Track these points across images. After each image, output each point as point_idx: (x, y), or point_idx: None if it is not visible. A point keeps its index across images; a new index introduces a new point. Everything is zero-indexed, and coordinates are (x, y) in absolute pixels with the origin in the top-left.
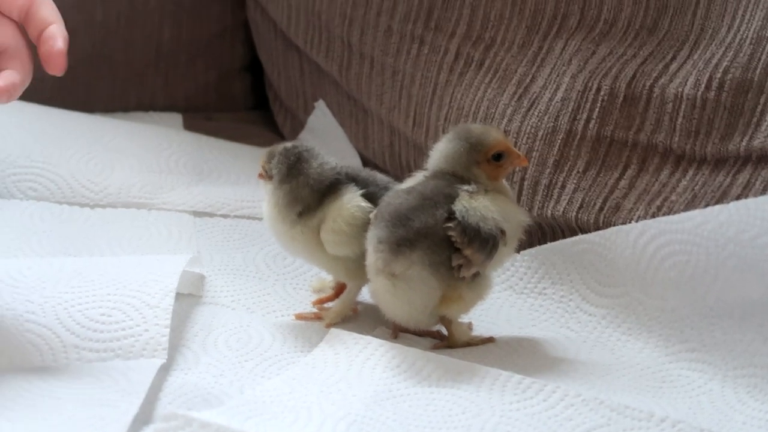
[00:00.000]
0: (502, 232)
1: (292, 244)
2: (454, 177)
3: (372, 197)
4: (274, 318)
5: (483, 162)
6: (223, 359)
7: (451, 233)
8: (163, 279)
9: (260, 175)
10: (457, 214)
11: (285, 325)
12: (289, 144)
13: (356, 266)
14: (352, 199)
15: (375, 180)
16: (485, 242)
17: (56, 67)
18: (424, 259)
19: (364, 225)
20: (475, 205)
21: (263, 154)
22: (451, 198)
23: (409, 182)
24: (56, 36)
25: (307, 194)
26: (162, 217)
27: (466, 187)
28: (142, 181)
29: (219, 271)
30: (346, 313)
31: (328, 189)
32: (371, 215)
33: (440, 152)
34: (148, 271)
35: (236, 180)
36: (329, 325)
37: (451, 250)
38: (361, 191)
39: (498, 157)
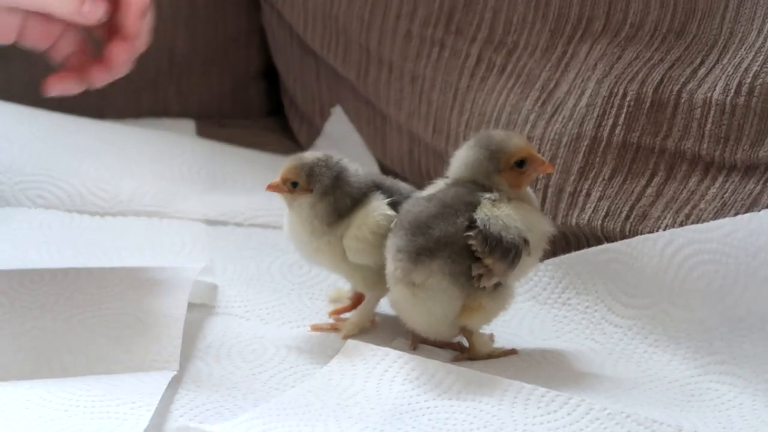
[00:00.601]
0: (526, 241)
1: (316, 255)
2: (476, 185)
3: (397, 206)
4: (289, 329)
5: (505, 169)
6: (237, 371)
7: (471, 242)
8: (174, 288)
9: (280, 188)
10: (479, 223)
11: (300, 337)
12: (318, 154)
13: (376, 276)
14: (379, 207)
15: (399, 189)
16: (507, 251)
17: (130, 35)
18: (444, 269)
19: (389, 233)
20: (497, 213)
21: (289, 167)
22: (473, 206)
23: (430, 190)
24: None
25: (345, 205)
26: (174, 225)
27: (488, 195)
28: (154, 189)
29: (232, 281)
30: (363, 324)
31: (360, 198)
32: (392, 224)
33: (461, 160)
34: (160, 280)
35: (251, 188)
36: (346, 337)
37: (472, 260)
38: (387, 199)
39: (520, 164)
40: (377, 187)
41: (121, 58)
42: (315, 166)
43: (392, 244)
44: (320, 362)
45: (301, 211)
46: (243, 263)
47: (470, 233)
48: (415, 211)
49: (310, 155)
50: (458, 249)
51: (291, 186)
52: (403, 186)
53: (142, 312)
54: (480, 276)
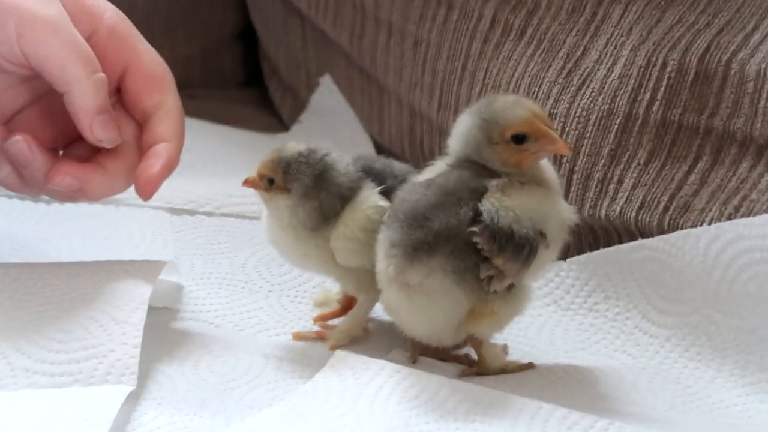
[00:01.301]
0: (542, 234)
1: (303, 260)
2: (481, 167)
3: (391, 194)
4: (267, 337)
5: (500, 143)
6: (205, 386)
7: (477, 239)
8: (133, 289)
9: (256, 184)
10: (485, 216)
11: (280, 347)
12: (301, 147)
13: (370, 278)
14: (368, 198)
15: (392, 171)
16: (520, 248)
17: (143, 191)
18: (446, 266)
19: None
20: (507, 203)
21: (265, 161)
22: (478, 193)
23: (428, 173)
24: (159, 157)
25: (333, 207)
26: (133, 214)
27: (495, 181)
28: None
29: (201, 281)
30: (355, 332)
31: (350, 195)
32: (385, 216)
33: (456, 130)
34: (116, 279)
35: (223, 171)
36: (334, 347)
37: (479, 256)
38: (378, 188)
39: (519, 139)
40: (367, 173)
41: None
42: (293, 163)
43: (385, 238)
44: (303, 377)
45: (280, 213)
46: (214, 259)
47: (475, 229)
48: (412, 199)
49: (290, 148)
50: (462, 244)
51: (267, 183)
52: (398, 167)
53: (94, 316)
54: (490, 278)
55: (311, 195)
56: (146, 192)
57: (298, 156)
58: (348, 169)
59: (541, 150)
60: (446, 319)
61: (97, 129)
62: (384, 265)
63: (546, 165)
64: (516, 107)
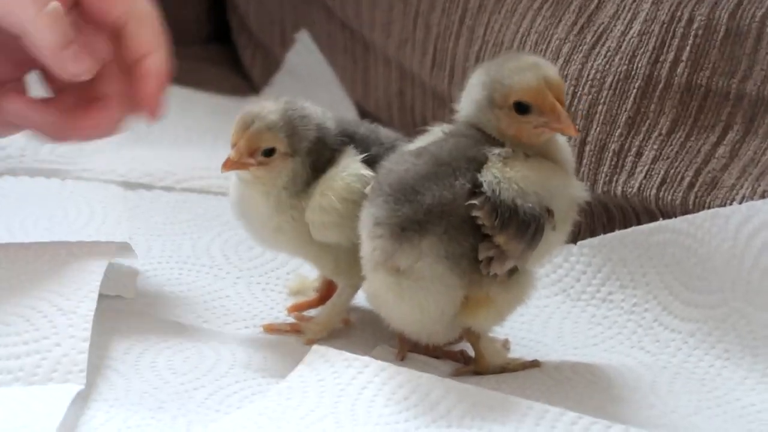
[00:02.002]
0: (549, 211)
1: (275, 236)
2: (482, 134)
3: (376, 163)
4: (235, 330)
5: (503, 107)
6: (164, 386)
7: (476, 213)
8: (81, 275)
9: (245, 164)
10: (485, 187)
11: (250, 341)
12: (280, 104)
13: (351, 259)
14: (349, 166)
15: (378, 137)
16: (525, 226)
17: (150, 111)
18: (439, 249)
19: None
20: (510, 174)
21: (255, 132)
22: (477, 164)
23: (422, 141)
24: (150, 76)
25: (326, 159)
26: (81, 189)
27: (497, 151)
28: None
29: (159, 265)
30: (334, 324)
31: (331, 156)
32: (368, 189)
33: (465, 91)
34: (61, 263)
35: (185, 140)
36: (311, 342)
37: (477, 237)
38: (361, 155)
39: (522, 108)
40: (349, 137)
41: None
42: (292, 120)
43: (368, 215)
44: (276, 375)
45: (277, 182)
46: (173, 241)
47: (474, 201)
48: (399, 170)
49: (272, 108)
50: (458, 222)
51: (263, 155)
52: (384, 133)
53: (36, 306)
54: (490, 260)
55: (313, 151)
56: (151, 111)
57: (292, 112)
58: (326, 116)
59: (544, 126)
60: (439, 310)
61: (67, 65)
62: (369, 248)
63: (563, 144)
64: (528, 72)
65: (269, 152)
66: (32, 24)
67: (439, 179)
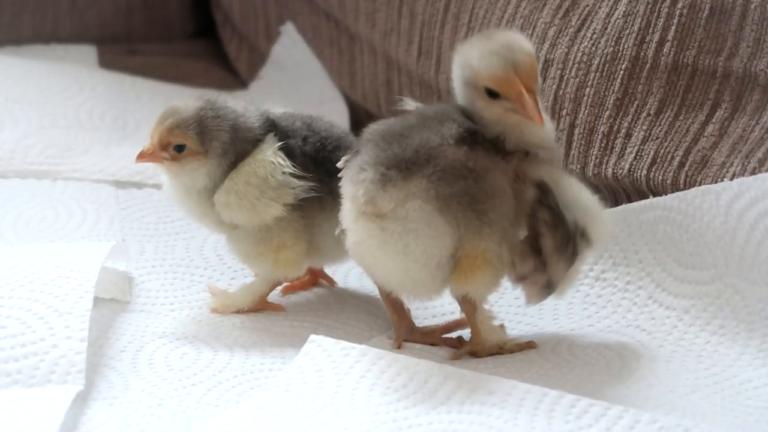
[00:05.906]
0: (583, 233)
1: (202, 219)
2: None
3: (291, 151)
4: (232, 325)
5: (478, 89)
6: (162, 384)
7: (542, 213)
8: (76, 276)
9: (158, 157)
10: (547, 181)
11: (247, 336)
12: (198, 103)
13: (256, 247)
14: (262, 152)
15: (313, 128)
16: (566, 237)
17: None
18: (428, 190)
19: (270, 188)
20: (555, 176)
21: (167, 126)
22: (464, 115)
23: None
24: None
25: (245, 152)
26: (72, 189)
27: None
28: (44, 141)
29: (153, 267)
30: (240, 305)
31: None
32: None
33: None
34: (55, 264)
35: None
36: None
37: (467, 180)
38: (279, 143)
39: (493, 93)
40: (272, 127)
41: None
42: (204, 119)
43: (353, 166)
44: (274, 368)
45: (194, 181)
46: (166, 242)
47: (539, 197)
48: (386, 124)
49: (190, 105)
50: (446, 164)
51: (175, 151)
52: (321, 125)
53: (32, 308)
54: (521, 279)
55: (230, 151)
56: None
57: (205, 111)
58: (248, 110)
59: (514, 112)
60: (425, 254)
61: None
62: (351, 193)
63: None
64: (495, 57)
65: (180, 148)
66: None
67: (426, 128)
